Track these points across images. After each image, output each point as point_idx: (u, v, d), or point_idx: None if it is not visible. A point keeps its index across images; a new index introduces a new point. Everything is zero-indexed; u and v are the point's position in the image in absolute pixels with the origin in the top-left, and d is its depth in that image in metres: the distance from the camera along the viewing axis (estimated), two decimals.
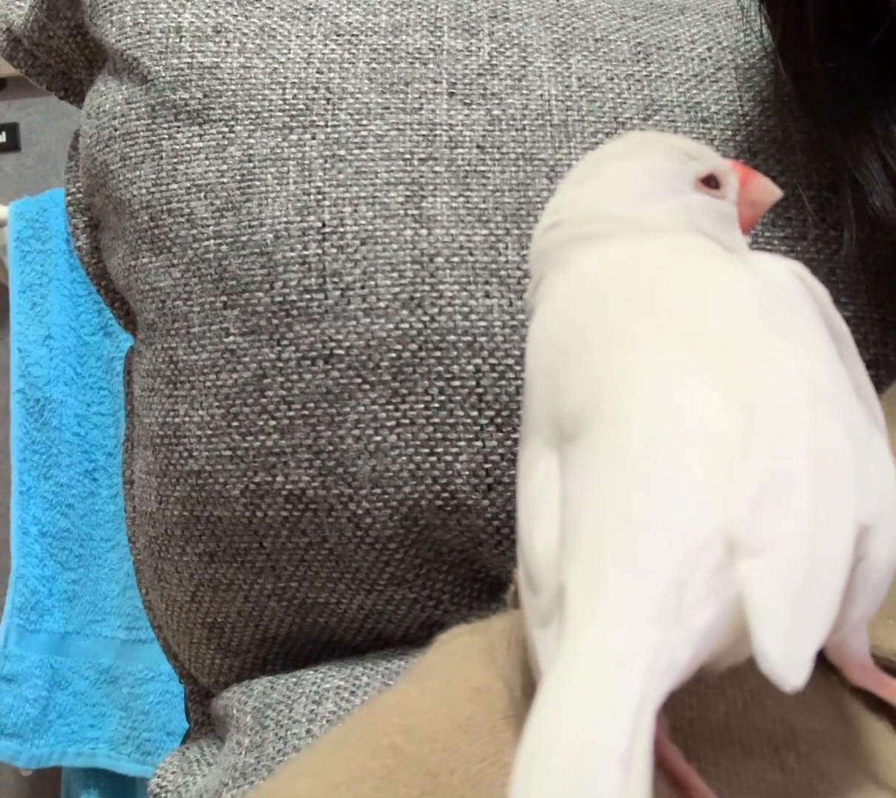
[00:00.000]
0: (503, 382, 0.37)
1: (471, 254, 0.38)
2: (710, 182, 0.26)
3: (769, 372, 0.21)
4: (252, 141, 0.39)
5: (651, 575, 0.19)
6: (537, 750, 0.18)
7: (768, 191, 0.27)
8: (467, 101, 0.39)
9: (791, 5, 0.34)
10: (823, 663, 0.22)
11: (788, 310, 0.23)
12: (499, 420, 0.37)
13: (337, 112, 0.39)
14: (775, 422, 0.21)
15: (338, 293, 0.38)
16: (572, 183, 0.26)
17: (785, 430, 0.21)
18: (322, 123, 0.39)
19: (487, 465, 0.37)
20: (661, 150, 0.26)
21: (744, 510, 0.20)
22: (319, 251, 0.38)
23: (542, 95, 0.39)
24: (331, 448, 0.38)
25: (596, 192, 0.25)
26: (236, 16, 0.41)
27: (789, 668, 0.18)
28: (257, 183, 0.39)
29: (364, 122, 0.39)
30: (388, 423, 0.37)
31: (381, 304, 0.37)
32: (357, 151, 0.39)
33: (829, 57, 0.33)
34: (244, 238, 0.39)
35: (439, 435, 0.37)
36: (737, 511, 0.20)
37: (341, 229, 0.38)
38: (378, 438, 0.37)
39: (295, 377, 0.38)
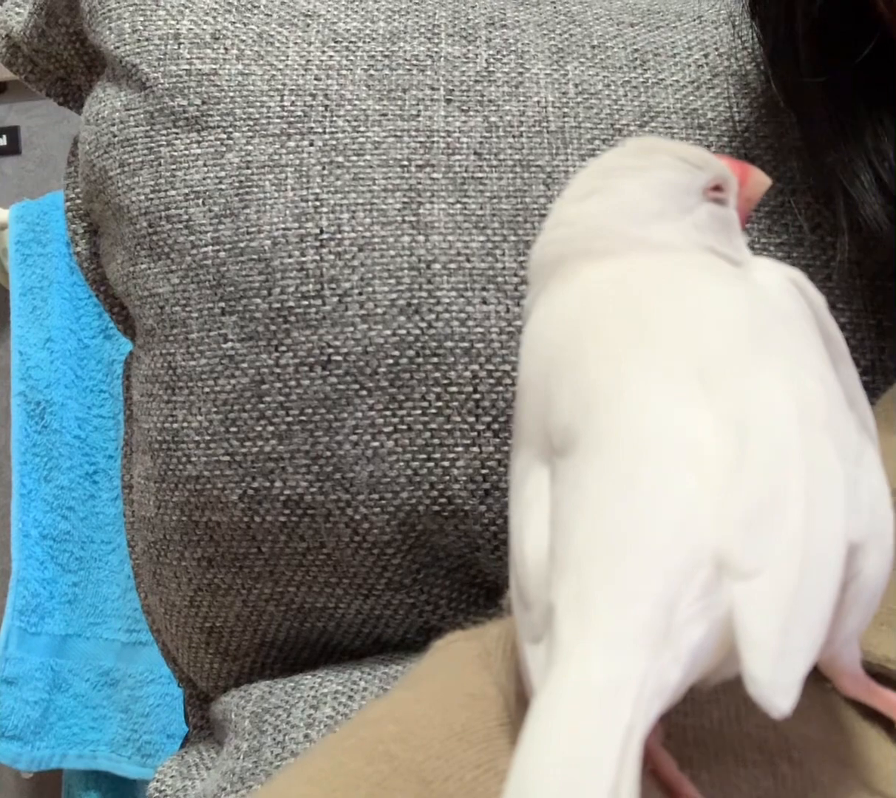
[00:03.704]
0: (500, 388, 0.37)
1: (468, 260, 0.38)
2: (715, 189, 0.26)
3: (761, 390, 0.21)
4: (250, 147, 0.39)
5: (639, 596, 0.19)
6: (526, 781, 0.18)
7: (762, 183, 0.27)
8: (465, 107, 0.39)
9: (781, 20, 0.34)
10: (816, 670, 0.22)
11: (783, 324, 0.23)
12: (496, 426, 0.37)
13: (335, 119, 0.39)
14: (767, 441, 0.21)
15: (335, 299, 0.38)
16: (578, 195, 0.25)
17: (776, 450, 0.21)
18: (320, 130, 0.39)
19: (484, 471, 0.37)
20: (667, 163, 0.25)
21: (735, 530, 0.20)
22: (317, 257, 0.38)
23: (539, 102, 0.39)
24: (328, 454, 0.38)
25: (606, 209, 0.25)
26: (235, 23, 0.41)
27: (778, 694, 0.18)
28: (255, 189, 0.39)
29: (362, 128, 0.39)
30: (386, 429, 0.38)
31: (379, 311, 0.38)
32: (355, 158, 0.39)
33: (819, 70, 0.33)
34: (242, 244, 0.39)
35: (436, 441, 0.37)
36: (727, 531, 0.20)
37: (339, 236, 0.38)
38: (375, 444, 0.38)
39: (293, 383, 0.38)
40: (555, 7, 0.42)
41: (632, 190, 0.25)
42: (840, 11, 0.32)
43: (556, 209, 0.26)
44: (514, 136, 0.39)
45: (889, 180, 0.33)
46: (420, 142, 0.39)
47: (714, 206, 0.25)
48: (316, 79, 0.40)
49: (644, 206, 0.25)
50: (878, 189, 0.33)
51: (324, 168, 0.39)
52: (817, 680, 0.23)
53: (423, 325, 0.37)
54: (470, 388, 0.37)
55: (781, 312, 0.24)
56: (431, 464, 0.37)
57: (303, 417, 0.38)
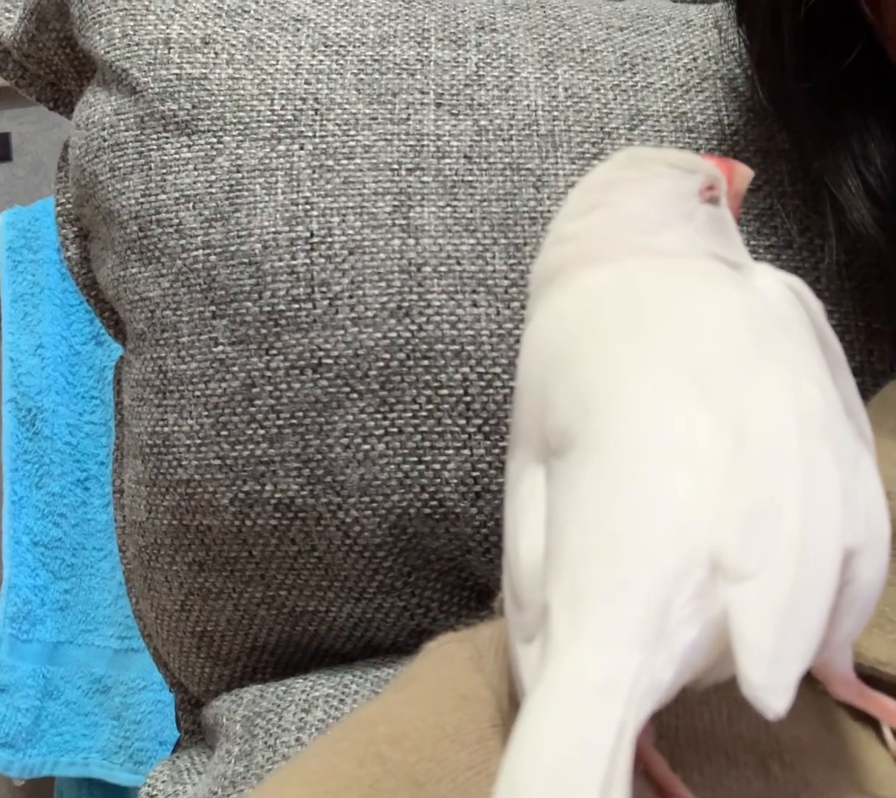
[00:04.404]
0: (491, 391, 0.37)
1: (458, 263, 0.38)
2: (708, 189, 0.26)
3: (758, 394, 0.21)
4: (240, 151, 0.40)
5: (633, 596, 0.19)
6: (516, 780, 0.18)
7: (746, 176, 0.27)
8: (454, 111, 0.39)
9: (767, 26, 0.34)
10: (808, 672, 0.22)
11: (781, 330, 0.23)
12: (486, 428, 0.37)
13: (325, 123, 0.39)
14: (764, 445, 0.21)
15: (326, 303, 0.38)
16: (578, 211, 0.26)
17: (774, 454, 0.21)
18: (310, 134, 0.39)
19: (475, 473, 0.37)
20: (661, 171, 0.25)
21: (731, 533, 0.20)
22: (307, 261, 0.38)
23: (528, 106, 0.39)
24: (319, 457, 0.38)
25: (610, 222, 0.25)
26: (225, 27, 0.41)
27: (773, 695, 0.18)
28: (246, 193, 0.39)
29: (352, 132, 0.39)
30: (377, 432, 0.38)
31: (369, 314, 0.38)
32: (345, 162, 0.39)
33: (805, 77, 0.33)
34: (233, 248, 0.39)
35: (427, 443, 0.37)
36: (723, 533, 0.20)
37: (329, 239, 0.38)
38: (366, 447, 0.38)
39: (283, 386, 0.38)
40: (544, 11, 0.42)
41: (633, 202, 0.25)
42: (826, 18, 0.33)
43: (556, 226, 0.26)
44: (503, 140, 0.39)
45: (876, 185, 0.33)
46: (410, 145, 0.39)
47: (710, 206, 0.25)
48: (306, 83, 0.40)
49: (648, 217, 0.25)
50: (865, 193, 0.33)
51: (314, 172, 0.39)
52: (809, 682, 0.23)
53: (414, 327, 0.37)
54: (461, 391, 0.37)
55: (780, 318, 0.24)
56: (422, 467, 0.37)
57: (293, 420, 0.38)
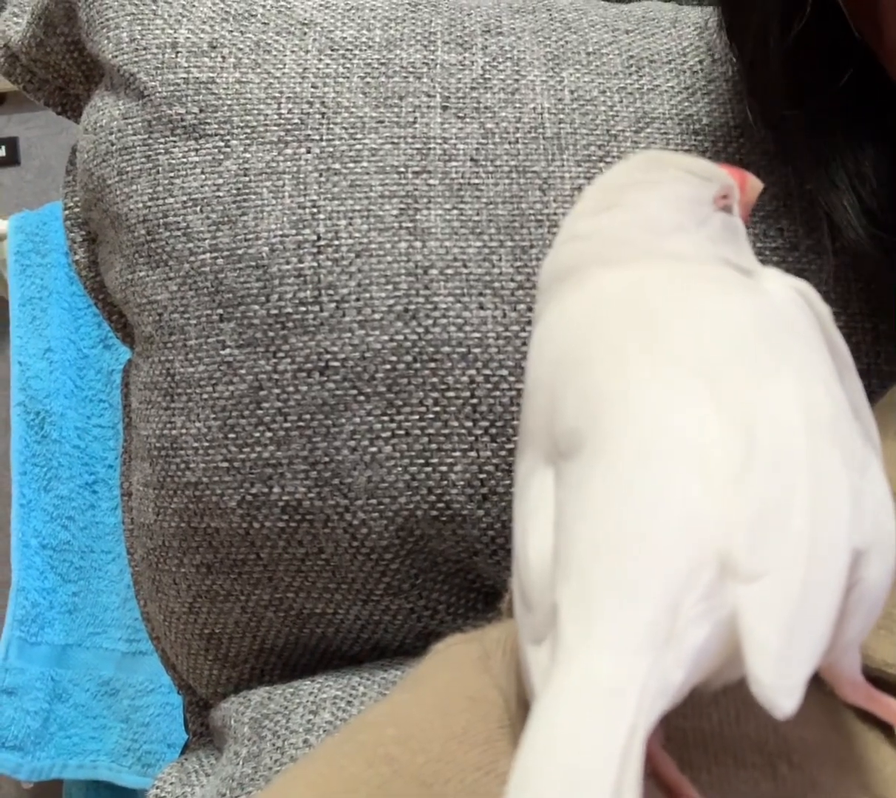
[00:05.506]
0: (497, 393, 0.37)
1: (465, 266, 0.38)
2: (722, 197, 0.26)
3: (767, 396, 0.22)
4: (248, 155, 0.40)
5: (643, 597, 0.19)
6: (528, 781, 0.18)
7: (757, 188, 0.27)
8: (461, 114, 0.40)
9: (757, 52, 0.34)
10: (815, 674, 0.22)
11: (790, 333, 0.23)
12: (493, 431, 0.37)
13: (332, 126, 0.40)
14: (773, 446, 0.21)
15: (333, 305, 0.38)
16: (593, 209, 0.26)
17: (782, 455, 0.21)
18: (317, 137, 0.40)
19: (482, 476, 0.38)
20: (678, 176, 0.25)
21: (740, 533, 0.20)
22: (315, 264, 0.38)
23: (534, 109, 0.40)
24: (327, 459, 0.38)
25: (625, 222, 0.25)
26: (232, 31, 0.42)
27: (781, 695, 0.19)
28: (253, 196, 0.39)
29: (359, 135, 0.39)
30: (384, 435, 0.38)
31: (376, 316, 0.38)
32: (352, 165, 0.39)
33: (796, 99, 0.33)
34: (240, 251, 0.39)
35: (434, 446, 0.38)
36: (733, 534, 0.20)
37: (336, 242, 0.38)
38: (373, 449, 0.38)
39: (291, 389, 0.38)
40: (550, 14, 0.42)
41: (650, 204, 0.25)
42: (816, 41, 0.32)
43: (569, 223, 0.26)
44: (510, 143, 0.39)
45: (871, 203, 0.33)
46: (416, 148, 0.39)
47: (724, 214, 0.25)
48: (313, 86, 0.40)
49: (664, 220, 0.25)
50: (861, 211, 0.33)
51: (321, 175, 0.39)
52: (816, 683, 0.23)
53: (421, 330, 0.37)
54: (467, 393, 0.37)
55: (789, 322, 0.24)
56: (429, 469, 0.38)
57: (301, 423, 0.38)
